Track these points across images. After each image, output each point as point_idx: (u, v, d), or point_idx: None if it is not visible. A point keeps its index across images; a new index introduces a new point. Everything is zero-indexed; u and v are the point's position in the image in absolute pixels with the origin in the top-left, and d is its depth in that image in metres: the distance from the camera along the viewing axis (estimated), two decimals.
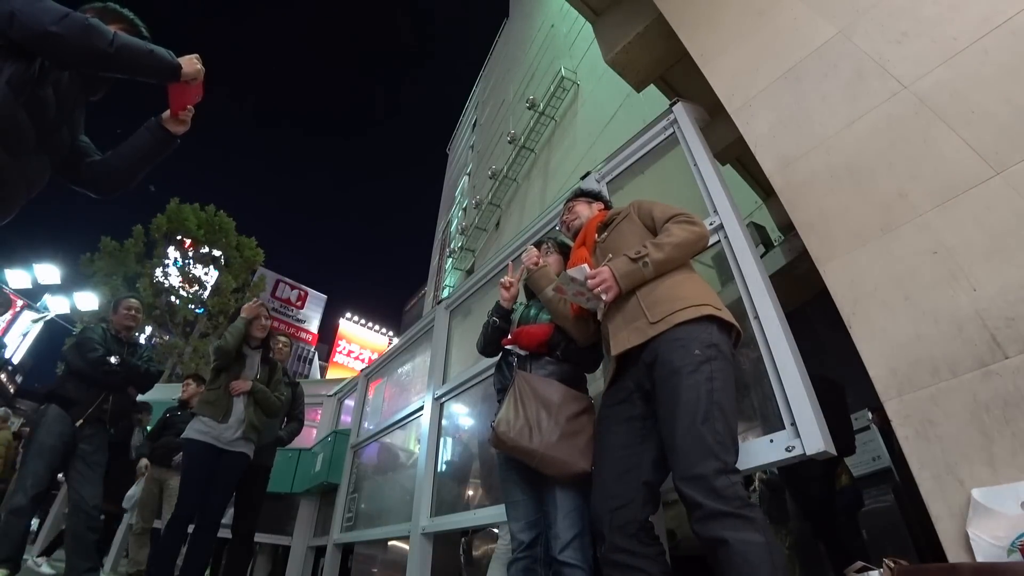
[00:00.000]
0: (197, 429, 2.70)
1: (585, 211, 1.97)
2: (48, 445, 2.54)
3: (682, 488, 1.19)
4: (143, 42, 1.34)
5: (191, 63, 1.42)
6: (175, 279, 15.95)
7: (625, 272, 1.48)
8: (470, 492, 2.97)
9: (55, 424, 2.58)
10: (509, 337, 1.88)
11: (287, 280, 32.61)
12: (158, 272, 15.60)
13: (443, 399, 3.14)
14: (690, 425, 1.22)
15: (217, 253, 16.76)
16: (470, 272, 12.29)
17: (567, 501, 1.57)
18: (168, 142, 1.53)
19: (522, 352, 1.83)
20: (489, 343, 1.95)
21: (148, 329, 16.10)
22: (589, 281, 1.48)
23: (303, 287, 33.23)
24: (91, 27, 1.23)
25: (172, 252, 16.29)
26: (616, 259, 1.51)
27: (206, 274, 16.63)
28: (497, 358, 1.98)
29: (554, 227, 2.80)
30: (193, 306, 16.13)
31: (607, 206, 2.02)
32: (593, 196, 2.06)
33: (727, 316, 1.40)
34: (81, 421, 2.62)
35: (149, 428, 4.41)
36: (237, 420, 2.77)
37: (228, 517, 3.18)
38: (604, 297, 1.47)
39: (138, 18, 1.53)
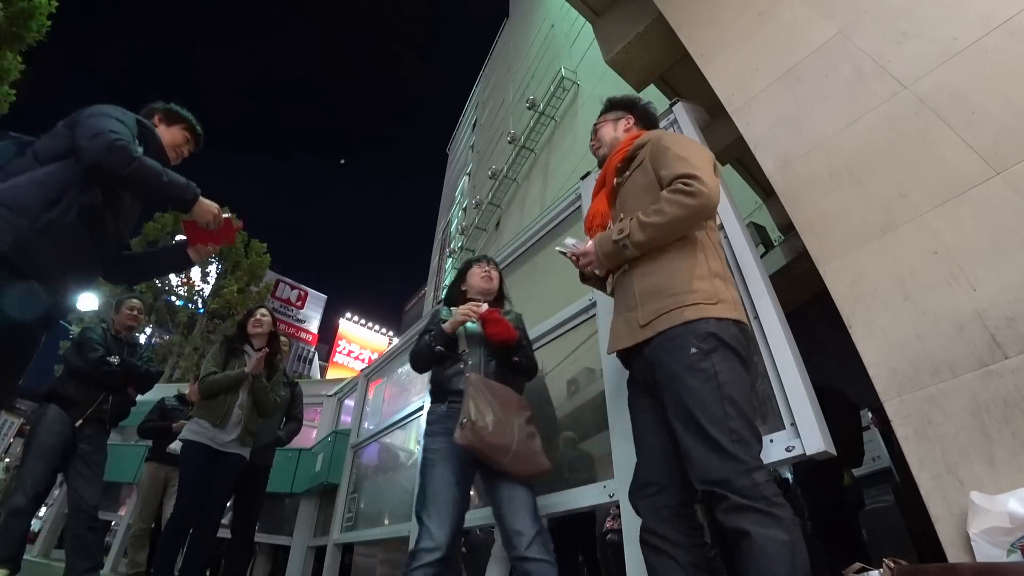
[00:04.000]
0: (193, 430, 2.67)
1: (609, 133, 1.72)
2: (48, 445, 2.54)
3: (704, 488, 1.15)
4: (160, 171, 1.44)
5: (207, 209, 1.54)
6: (174, 278, 15.94)
7: (606, 252, 1.43)
8: (470, 492, 2.96)
9: (55, 424, 2.58)
10: (483, 310, 1.86)
11: (287, 280, 32.60)
12: None
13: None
14: (701, 431, 1.15)
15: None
16: None
17: (529, 499, 1.67)
18: (183, 264, 1.72)
19: (468, 352, 1.86)
20: (427, 364, 1.97)
21: (148, 329, 16.09)
22: (580, 259, 1.46)
23: (303, 287, 33.22)
24: (113, 149, 1.35)
25: None
26: (600, 235, 1.45)
27: (207, 274, 16.63)
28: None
29: (554, 227, 2.80)
30: (192, 305, 16.12)
31: (640, 118, 1.72)
32: (623, 107, 1.75)
33: (720, 312, 1.27)
34: (81, 421, 2.62)
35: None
36: (234, 424, 2.74)
37: (228, 518, 3.18)
38: (597, 272, 1.45)
39: (193, 116, 1.80)
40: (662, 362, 1.27)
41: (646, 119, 1.74)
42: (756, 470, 1.11)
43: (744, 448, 1.12)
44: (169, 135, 1.77)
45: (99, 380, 2.69)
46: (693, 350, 1.23)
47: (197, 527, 2.66)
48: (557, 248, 1.57)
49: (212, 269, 16.76)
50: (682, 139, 1.50)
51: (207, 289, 16.53)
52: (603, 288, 1.62)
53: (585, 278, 1.62)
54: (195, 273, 16.41)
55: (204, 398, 2.73)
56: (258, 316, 2.99)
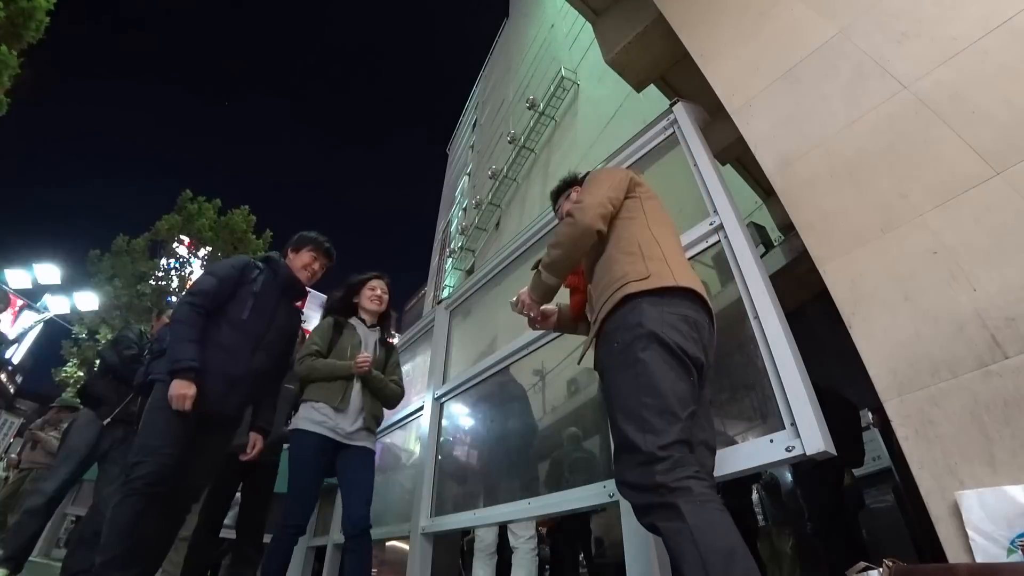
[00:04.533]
0: (309, 418, 2.22)
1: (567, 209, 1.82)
2: (76, 451, 2.61)
3: (618, 488, 1.18)
4: (178, 336, 1.93)
5: (178, 391, 1.82)
6: (176, 279, 15.93)
7: (532, 286, 1.53)
8: (470, 492, 2.97)
9: (84, 429, 2.65)
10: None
11: None
12: (159, 272, 15.59)
13: (443, 399, 3.14)
14: (616, 427, 1.17)
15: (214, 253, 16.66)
16: (470, 272, 12.27)
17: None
18: None
19: None
20: None
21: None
22: (519, 304, 1.56)
23: None
24: (179, 305, 2.03)
25: (177, 251, 16.27)
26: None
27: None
28: None
29: (554, 227, 2.80)
30: None
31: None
32: (566, 186, 1.89)
33: (652, 283, 1.25)
34: (109, 420, 2.64)
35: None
36: (356, 408, 2.28)
37: (231, 518, 3.14)
38: (530, 314, 1.56)
39: (328, 244, 2.38)
40: (600, 366, 1.32)
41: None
42: (656, 461, 1.07)
43: (649, 440, 1.09)
44: (299, 260, 2.25)
45: (129, 378, 2.69)
46: (616, 343, 1.24)
47: (347, 537, 2.22)
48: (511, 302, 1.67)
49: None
50: (591, 176, 1.62)
51: None
52: (547, 327, 1.75)
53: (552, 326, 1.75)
54: (196, 275, 16.40)
55: (303, 381, 2.35)
56: (378, 291, 2.51)
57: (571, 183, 1.90)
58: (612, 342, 1.25)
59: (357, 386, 2.29)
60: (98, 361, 2.92)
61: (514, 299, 1.61)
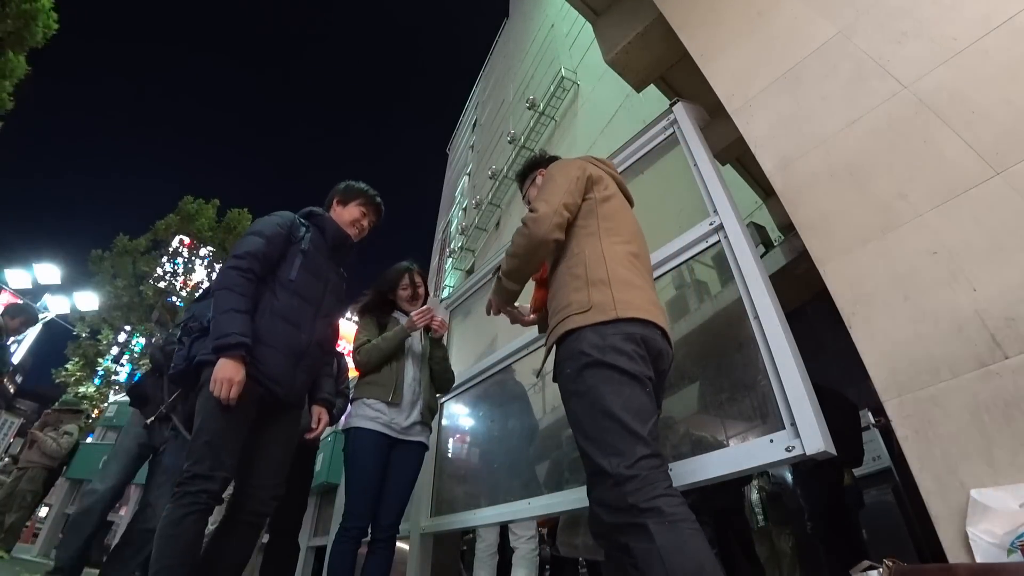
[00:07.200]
0: (364, 415, 2.14)
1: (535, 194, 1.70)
2: (124, 447, 2.56)
3: (591, 506, 1.21)
4: (226, 307, 1.58)
5: (224, 372, 1.50)
6: (177, 279, 15.95)
7: (494, 289, 1.57)
8: (470, 492, 2.97)
9: (131, 427, 2.59)
10: None
11: None
12: (159, 271, 15.60)
13: (443, 399, 3.14)
14: (583, 452, 1.21)
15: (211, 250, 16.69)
16: (470, 272, 12.28)
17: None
18: None
19: None
20: None
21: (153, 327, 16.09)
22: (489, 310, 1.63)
23: None
24: (222, 272, 1.69)
25: (176, 250, 16.30)
26: None
27: (209, 274, 16.63)
28: None
29: None
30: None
31: (547, 166, 1.74)
32: (530, 168, 1.85)
33: (593, 317, 1.27)
34: (152, 419, 2.48)
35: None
36: (409, 401, 2.20)
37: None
38: (493, 314, 1.63)
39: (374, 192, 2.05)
40: (561, 394, 1.34)
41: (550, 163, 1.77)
42: (625, 481, 1.09)
43: (614, 462, 1.12)
44: (347, 214, 1.99)
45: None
46: (568, 370, 1.28)
47: (374, 540, 2.08)
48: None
49: (202, 271, 16.74)
50: (546, 174, 1.58)
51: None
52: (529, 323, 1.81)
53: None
54: (197, 274, 16.42)
55: (364, 371, 2.24)
56: (417, 288, 2.43)
57: (536, 164, 1.85)
58: (564, 371, 1.30)
59: (408, 378, 2.22)
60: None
61: (487, 305, 1.72)
